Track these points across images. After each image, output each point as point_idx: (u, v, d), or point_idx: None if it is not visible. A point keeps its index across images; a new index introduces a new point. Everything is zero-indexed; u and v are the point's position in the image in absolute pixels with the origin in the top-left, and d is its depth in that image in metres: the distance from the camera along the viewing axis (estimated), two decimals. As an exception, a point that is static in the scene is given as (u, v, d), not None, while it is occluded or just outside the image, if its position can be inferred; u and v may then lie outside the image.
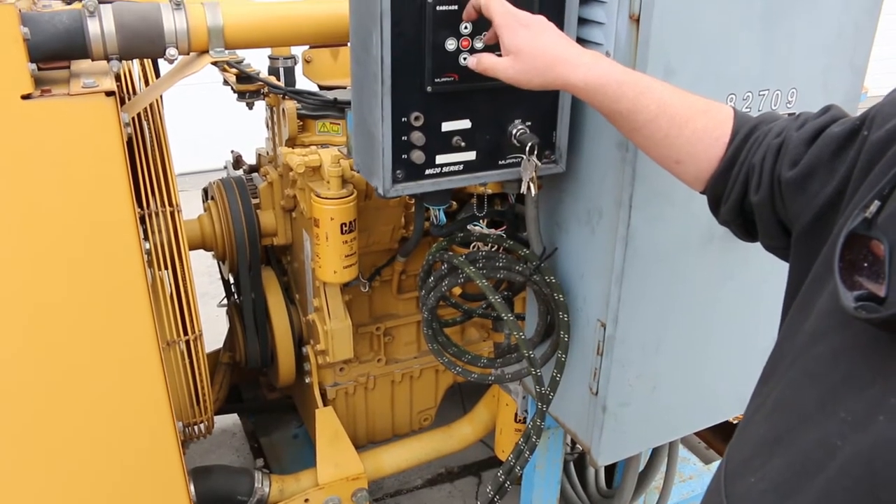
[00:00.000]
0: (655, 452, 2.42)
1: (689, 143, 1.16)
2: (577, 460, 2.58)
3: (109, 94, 1.42)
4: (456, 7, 1.36)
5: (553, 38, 1.26)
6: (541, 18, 1.28)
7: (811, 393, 0.86)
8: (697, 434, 3.00)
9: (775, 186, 1.06)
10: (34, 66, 1.41)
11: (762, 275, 1.73)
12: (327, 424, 2.42)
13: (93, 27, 1.55)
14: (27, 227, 1.44)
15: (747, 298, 1.76)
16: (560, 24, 1.46)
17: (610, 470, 2.62)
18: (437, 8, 1.35)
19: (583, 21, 1.49)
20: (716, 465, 2.64)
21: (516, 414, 2.21)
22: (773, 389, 0.94)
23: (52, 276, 1.50)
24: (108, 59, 1.59)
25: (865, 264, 0.80)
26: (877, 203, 0.81)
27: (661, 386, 1.75)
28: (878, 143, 0.88)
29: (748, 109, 1.52)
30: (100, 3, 1.58)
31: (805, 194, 0.99)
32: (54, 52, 1.52)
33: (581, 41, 1.51)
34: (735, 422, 2.60)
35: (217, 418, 2.43)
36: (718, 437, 2.91)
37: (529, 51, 1.24)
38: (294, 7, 1.93)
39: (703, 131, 1.15)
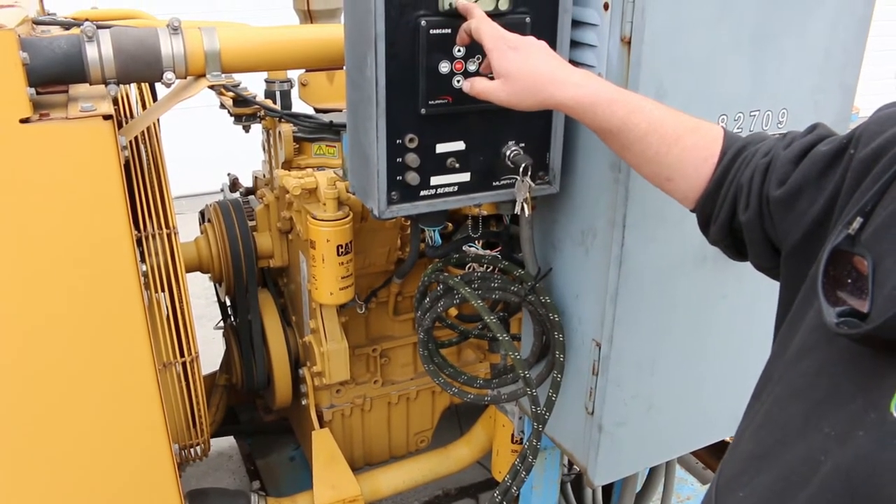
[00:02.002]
0: (652, 472, 2.42)
1: (678, 160, 1.18)
2: (575, 481, 2.57)
3: (107, 117, 1.44)
4: (449, 31, 1.38)
5: (543, 59, 1.28)
6: (530, 39, 1.30)
7: (796, 408, 0.87)
8: (695, 454, 2.99)
9: (763, 205, 1.07)
10: (33, 90, 1.43)
11: (756, 294, 1.74)
12: (324, 446, 2.41)
13: (91, 52, 1.56)
14: (25, 248, 1.45)
15: (741, 318, 1.77)
16: (552, 48, 1.48)
17: (607, 490, 2.61)
18: (431, 31, 1.37)
19: (575, 44, 1.51)
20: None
21: (513, 435, 2.20)
22: (762, 405, 0.95)
23: (50, 297, 1.50)
24: (105, 83, 1.61)
25: (849, 280, 0.81)
26: (859, 220, 0.82)
27: (656, 405, 1.75)
28: (865, 161, 0.90)
29: (739, 130, 1.54)
30: (98, 28, 1.60)
31: (793, 213, 1.01)
32: (53, 77, 1.54)
33: (574, 63, 1.52)
34: (731, 441, 2.60)
35: (213, 441, 2.42)
36: (715, 456, 2.90)
37: (519, 73, 1.26)
38: (290, 31, 1.95)
39: (693, 149, 1.17)
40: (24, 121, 1.38)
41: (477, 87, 1.33)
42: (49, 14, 2.24)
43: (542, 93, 1.25)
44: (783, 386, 0.91)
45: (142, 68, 1.64)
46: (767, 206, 1.06)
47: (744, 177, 1.10)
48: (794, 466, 0.83)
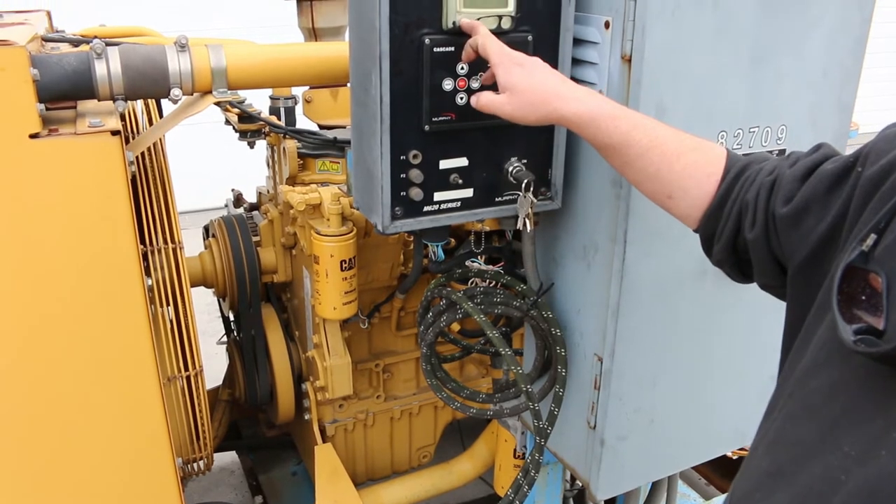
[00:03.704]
0: (655, 487, 2.41)
1: (680, 178, 1.19)
2: (577, 496, 2.57)
3: (115, 133, 1.46)
4: (453, 49, 1.40)
5: (546, 75, 1.31)
6: (535, 59, 1.33)
7: (810, 426, 0.86)
8: (697, 469, 2.99)
9: (770, 223, 1.07)
10: (42, 106, 1.45)
11: (756, 309, 1.75)
12: (326, 461, 2.41)
13: (100, 69, 1.59)
14: (33, 261, 1.47)
15: (742, 332, 1.78)
16: (554, 65, 1.50)
17: (610, 506, 2.61)
18: (435, 49, 1.39)
19: (577, 61, 1.53)
20: (715, 500, 2.63)
21: (515, 450, 2.21)
22: (774, 422, 0.95)
23: (56, 309, 1.52)
24: (113, 99, 1.63)
25: (863, 297, 0.81)
26: (873, 236, 0.82)
27: (658, 419, 1.76)
28: (873, 179, 0.90)
29: (738, 147, 1.56)
30: (106, 45, 1.62)
31: (800, 230, 1.01)
32: (62, 93, 1.56)
33: (575, 81, 1.54)
34: (734, 457, 2.60)
35: (216, 456, 2.43)
36: (718, 472, 2.91)
37: (524, 87, 1.29)
38: (295, 49, 1.98)
39: (695, 167, 1.18)
40: (34, 136, 1.40)
41: (483, 100, 1.36)
42: (58, 31, 2.27)
43: (546, 107, 1.27)
44: (796, 402, 0.91)
45: (149, 85, 1.66)
46: (774, 223, 1.06)
47: (749, 194, 1.11)
48: (813, 485, 0.83)
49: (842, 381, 0.84)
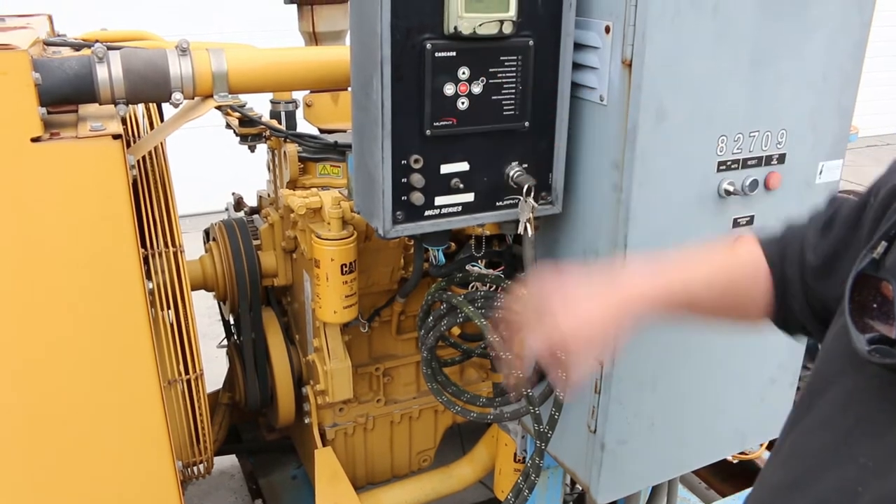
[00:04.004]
0: (655, 491, 2.41)
1: (736, 310, 1.17)
2: (577, 500, 2.57)
3: (116, 137, 1.46)
4: (454, 53, 1.41)
5: (582, 319, 1.12)
6: (552, 312, 1.14)
7: (825, 437, 0.86)
8: (697, 474, 2.99)
9: (807, 277, 1.06)
10: (44, 109, 1.45)
11: (757, 313, 1.75)
12: (326, 465, 2.41)
13: (101, 73, 1.59)
14: (34, 264, 1.47)
15: (742, 336, 1.78)
16: (555, 70, 1.51)
17: (610, 510, 2.61)
18: (436, 54, 1.40)
19: (577, 66, 1.54)
20: (715, 504, 2.63)
21: (515, 454, 2.21)
22: (790, 435, 0.95)
23: (58, 312, 1.52)
24: (115, 103, 1.63)
25: (875, 305, 0.81)
26: (884, 244, 0.82)
27: (659, 423, 1.76)
28: (885, 199, 0.90)
29: (739, 150, 1.56)
30: (108, 49, 1.63)
31: (835, 276, 1.00)
32: (64, 97, 1.56)
33: (576, 85, 1.55)
34: (734, 461, 2.60)
35: (215, 459, 2.43)
36: (718, 476, 2.90)
37: (582, 346, 1.12)
38: (296, 53, 1.98)
39: (746, 295, 1.14)
40: (36, 139, 1.40)
41: (573, 385, 1.17)
42: (59, 35, 2.27)
43: (609, 333, 1.13)
44: (811, 416, 0.91)
45: (151, 89, 1.67)
46: (809, 278, 1.05)
47: (793, 272, 1.10)
48: (828, 497, 0.83)
49: (856, 392, 0.84)
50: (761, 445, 2.58)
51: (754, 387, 1.88)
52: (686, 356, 1.73)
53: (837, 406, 0.86)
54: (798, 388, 2.00)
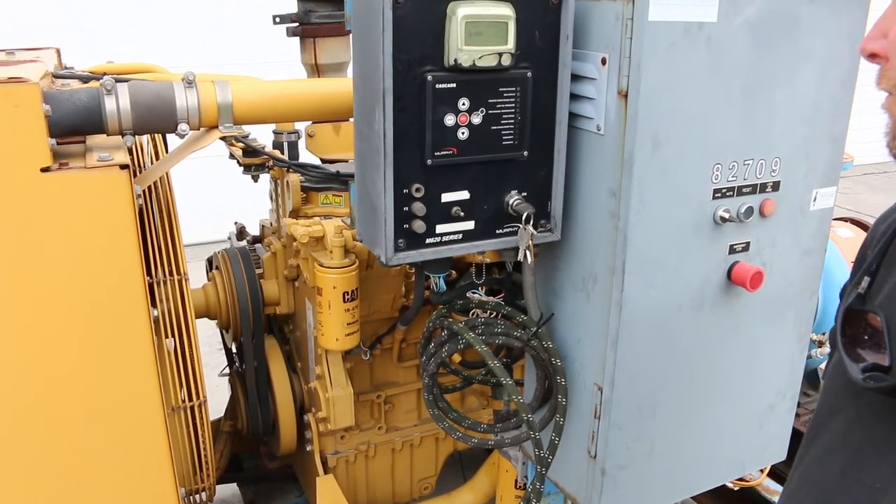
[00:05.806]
0: (656, 519, 2.41)
1: None
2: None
3: (123, 167, 1.50)
4: (454, 85, 1.44)
5: None
6: None
7: (832, 465, 0.89)
8: (697, 500, 2.98)
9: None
10: (53, 140, 1.49)
11: (755, 337, 1.77)
12: (328, 493, 2.42)
13: (109, 104, 1.63)
14: (42, 292, 1.49)
15: (741, 361, 1.80)
16: (553, 101, 1.54)
17: (611, 538, 2.60)
18: (437, 86, 1.43)
19: (575, 97, 1.57)
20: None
21: (516, 480, 2.21)
22: (798, 468, 0.97)
23: (65, 339, 1.54)
24: (122, 134, 1.67)
25: (865, 337, 0.84)
26: (867, 279, 0.87)
27: (658, 448, 1.77)
28: (867, 245, 0.95)
29: (734, 178, 1.59)
30: (115, 81, 1.67)
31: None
32: (73, 128, 1.60)
33: (574, 115, 1.58)
34: (734, 487, 2.60)
35: (217, 488, 2.43)
36: (717, 502, 2.89)
37: None
38: (299, 85, 2.03)
39: None
40: (45, 169, 1.43)
41: None
42: (67, 68, 2.32)
43: None
44: (816, 446, 0.93)
45: (157, 120, 1.70)
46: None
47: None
48: None
49: (857, 418, 0.87)
50: (762, 472, 2.59)
51: (753, 413, 1.89)
52: (685, 382, 1.75)
53: (840, 434, 0.88)
54: (797, 415, 2.01)
